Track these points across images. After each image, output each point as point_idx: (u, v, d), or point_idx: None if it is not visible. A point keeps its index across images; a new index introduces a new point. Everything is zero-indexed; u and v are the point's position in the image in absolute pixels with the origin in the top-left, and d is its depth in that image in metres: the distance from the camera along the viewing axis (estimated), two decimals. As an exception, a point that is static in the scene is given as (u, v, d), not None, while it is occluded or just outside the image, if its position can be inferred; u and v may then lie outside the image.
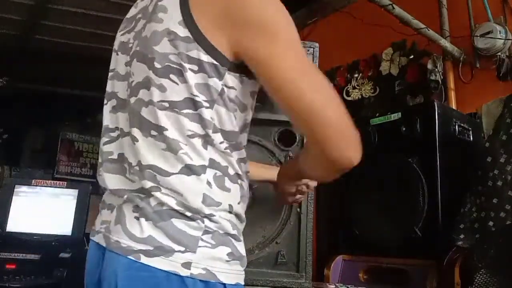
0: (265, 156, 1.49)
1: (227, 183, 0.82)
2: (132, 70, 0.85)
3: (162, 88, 0.78)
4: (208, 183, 0.79)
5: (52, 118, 5.08)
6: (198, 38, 0.76)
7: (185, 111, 0.78)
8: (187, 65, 0.77)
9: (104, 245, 0.81)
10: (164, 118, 0.78)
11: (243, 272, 0.84)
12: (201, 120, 0.78)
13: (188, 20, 0.77)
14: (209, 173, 0.80)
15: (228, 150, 0.83)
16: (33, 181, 3.82)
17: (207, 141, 0.80)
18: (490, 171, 1.70)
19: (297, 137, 1.50)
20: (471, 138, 2.08)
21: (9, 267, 3.25)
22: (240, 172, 0.85)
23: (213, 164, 0.80)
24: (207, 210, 0.79)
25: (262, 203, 1.48)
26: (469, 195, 1.75)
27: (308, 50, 1.53)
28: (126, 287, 0.75)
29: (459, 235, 1.70)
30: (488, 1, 2.30)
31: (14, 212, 3.59)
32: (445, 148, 1.88)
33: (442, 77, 2.44)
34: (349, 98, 2.99)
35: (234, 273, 0.81)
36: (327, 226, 2.96)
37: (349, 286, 1.75)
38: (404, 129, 1.96)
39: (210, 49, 0.77)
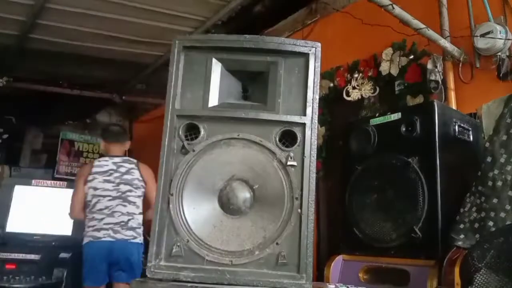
0: (266, 156, 1.49)
1: None
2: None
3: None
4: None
5: (52, 118, 5.08)
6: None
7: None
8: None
9: None
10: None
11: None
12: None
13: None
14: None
15: None
16: (33, 181, 3.82)
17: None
18: (490, 171, 1.70)
19: (298, 138, 1.49)
20: (471, 138, 2.08)
21: (9, 267, 3.25)
22: None
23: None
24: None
25: (263, 203, 1.48)
26: (469, 195, 1.75)
27: (310, 50, 1.53)
28: None
29: (459, 235, 1.70)
30: (488, 1, 2.30)
31: (14, 212, 3.59)
32: (445, 148, 1.88)
33: (442, 77, 2.44)
34: (349, 98, 2.99)
35: None
36: (327, 227, 2.96)
37: (349, 286, 1.75)
38: (404, 129, 1.96)
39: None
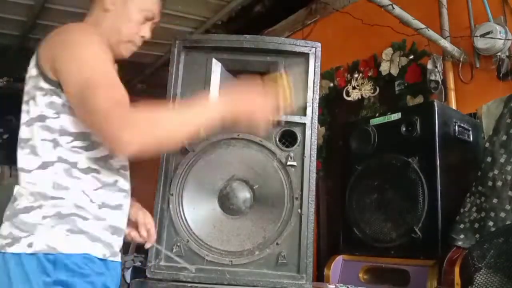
0: (266, 156, 1.49)
1: (76, 173, 1.05)
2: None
3: (26, 111, 1.09)
4: (55, 173, 1.04)
5: (52, 118, 5.08)
6: (41, 73, 1.06)
7: (37, 123, 1.06)
8: (38, 92, 1.06)
9: None
10: (27, 131, 1.08)
11: (90, 243, 1.04)
12: (48, 128, 1.05)
13: (37, 63, 1.08)
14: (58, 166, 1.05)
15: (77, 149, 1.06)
16: (33, 181, 3.81)
17: (56, 142, 1.05)
18: (490, 171, 1.70)
19: (298, 138, 1.50)
20: (471, 138, 2.09)
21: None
22: (94, 167, 1.08)
23: (61, 159, 1.05)
24: (54, 193, 1.02)
25: (263, 204, 1.49)
26: (469, 195, 1.75)
27: (310, 50, 1.53)
28: None
29: (459, 235, 1.70)
30: (488, 1, 2.30)
31: (14, 212, 3.58)
32: (445, 148, 1.88)
33: (442, 77, 2.44)
34: (349, 98, 2.99)
35: (74, 244, 1.01)
36: (327, 227, 2.96)
37: (349, 286, 1.75)
38: (404, 129, 1.96)
39: (47, 79, 1.05)
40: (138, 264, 3.48)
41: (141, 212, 1.31)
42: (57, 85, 1.04)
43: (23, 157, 1.09)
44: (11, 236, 1.00)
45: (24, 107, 1.11)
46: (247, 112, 1.10)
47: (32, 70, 1.10)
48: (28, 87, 1.10)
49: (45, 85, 1.05)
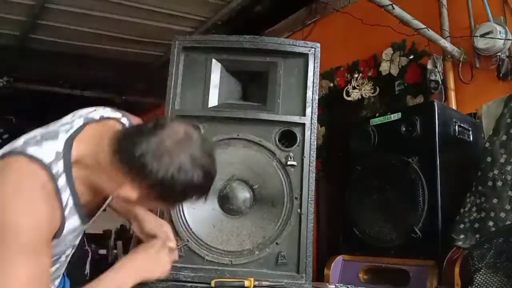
0: (266, 156, 1.49)
1: None
2: None
3: None
4: None
5: (52, 118, 5.08)
6: None
7: None
8: None
9: None
10: None
11: None
12: None
13: None
14: None
15: None
16: (33, 181, 3.81)
17: None
18: (490, 171, 1.70)
19: (298, 138, 1.50)
20: (471, 138, 2.08)
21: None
22: None
23: None
24: None
25: (262, 203, 1.49)
26: (469, 195, 1.75)
27: (309, 51, 1.53)
28: None
29: (459, 235, 1.70)
30: (488, 1, 2.30)
31: (14, 212, 3.58)
32: (445, 148, 1.88)
33: (442, 77, 2.44)
34: (349, 98, 2.99)
35: None
36: (327, 227, 2.96)
37: (349, 286, 1.75)
38: (404, 129, 1.96)
39: None
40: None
41: (159, 225, 1.25)
42: None
43: None
44: None
45: None
46: (155, 272, 1.11)
47: None
48: None
49: None
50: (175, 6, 3.29)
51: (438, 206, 1.80)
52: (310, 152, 1.49)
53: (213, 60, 1.55)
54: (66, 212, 0.97)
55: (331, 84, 3.13)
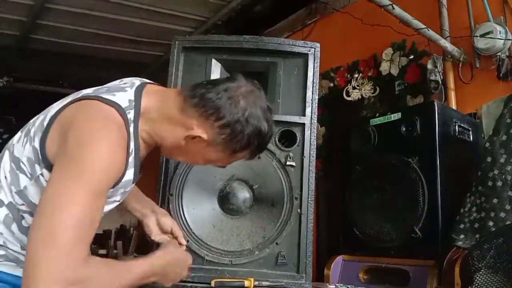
0: (266, 156, 1.49)
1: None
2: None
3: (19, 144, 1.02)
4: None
5: (52, 118, 5.08)
6: (43, 136, 0.96)
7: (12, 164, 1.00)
8: (32, 143, 0.97)
9: None
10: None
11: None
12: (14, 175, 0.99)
13: (50, 121, 0.97)
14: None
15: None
16: (33, 181, 3.81)
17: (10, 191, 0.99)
18: (490, 171, 1.70)
19: (298, 138, 1.50)
20: (471, 138, 2.08)
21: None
22: None
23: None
24: None
25: (262, 203, 1.49)
26: (469, 195, 1.75)
27: (309, 51, 1.53)
28: None
29: (459, 235, 1.70)
30: (488, 1, 2.30)
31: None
32: (445, 148, 1.88)
33: (442, 77, 2.44)
34: (349, 98, 2.99)
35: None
36: (327, 226, 2.96)
37: (349, 286, 1.75)
38: (404, 129, 1.96)
39: (42, 150, 0.95)
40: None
41: (166, 220, 1.28)
42: (47, 165, 0.95)
43: None
44: None
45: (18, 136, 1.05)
46: (172, 276, 1.12)
47: (43, 122, 0.99)
48: (30, 127, 1.01)
49: (38, 149, 0.96)
50: (174, 6, 3.29)
51: (438, 206, 1.80)
52: (310, 152, 1.49)
53: (213, 60, 1.55)
54: (130, 161, 0.98)
55: (331, 84, 3.13)
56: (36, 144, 0.96)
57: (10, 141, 1.06)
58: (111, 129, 0.93)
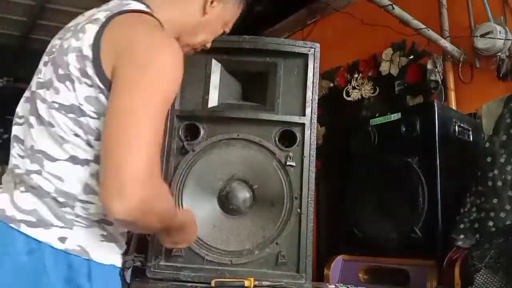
0: (265, 156, 1.49)
1: None
2: (43, 70, 1.00)
3: (56, 91, 0.91)
4: (92, 175, 0.89)
5: (52, 118, 5.08)
6: (96, 61, 0.87)
7: (70, 115, 0.88)
8: (82, 79, 0.88)
9: None
10: (52, 116, 0.89)
11: (117, 253, 0.95)
12: (82, 126, 0.88)
13: (95, 45, 0.88)
14: (93, 167, 0.89)
15: None
16: (33, 181, 3.81)
17: (89, 144, 0.89)
18: (490, 171, 1.70)
19: (298, 138, 1.50)
20: (471, 138, 2.08)
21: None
22: None
23: (96, 160, 0.89)
24: (84, 197, 0.88)
25: (262, 203, 1.49)
26: (469, 195, 1.75)
27: (309, 51, 1.53)
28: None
29: (459, 235, 1.70)
30: (488, 1, 2.30)
31: (15, 212, 3.58)
32: (445, 148, 1.88)
33: (442, 77, 2.44)
34: (349, 98, 2.99)
35: (107, 252, 0.91)
36: (327, 226, 2.96)
37: (349, 286, 1.75)
38: (404, 129, 1.96)
39: (101, 74, 0.87)
40: (138, 264, 3.47)
41: None
42: (108, 86, 0.86)
43: (42, 140, 0.90)
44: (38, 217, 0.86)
45: (46, 72, 0.96)
46: (188, 232, 1.15)
47: (82, 45, 0.89)
48: (67, 58, 0.90)
49: (94, 76, 0.87)
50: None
51: (438, 206, 1.80)
52: (310, 152, 1.49)
53: (213, 60, 1.55)
54: None
55: (331, 84, 3.13)
56: (91, 76, 0.87)
57: (31, 116, 0.96)
58: (167, 34, 0.94)
